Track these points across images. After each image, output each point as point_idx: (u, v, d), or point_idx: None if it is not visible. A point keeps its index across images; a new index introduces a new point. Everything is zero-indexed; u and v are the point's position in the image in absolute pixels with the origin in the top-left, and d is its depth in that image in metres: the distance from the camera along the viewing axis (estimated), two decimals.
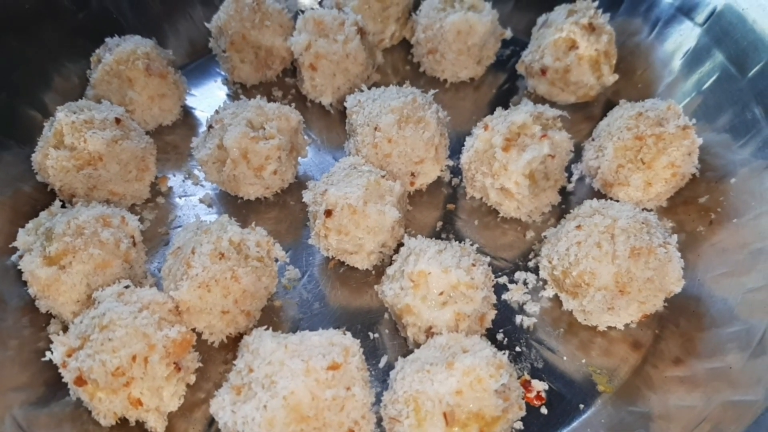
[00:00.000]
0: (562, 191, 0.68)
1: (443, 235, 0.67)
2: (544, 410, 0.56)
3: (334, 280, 0.64)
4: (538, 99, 0.76)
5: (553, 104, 0.75)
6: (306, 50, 0.73)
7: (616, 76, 0.72)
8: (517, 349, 0.59)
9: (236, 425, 0.48)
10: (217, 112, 0.67)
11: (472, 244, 0.60)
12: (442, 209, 0.69)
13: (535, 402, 0.56)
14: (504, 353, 0.52)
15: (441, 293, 0.55)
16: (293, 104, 0.76)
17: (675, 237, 0.58)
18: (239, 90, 0.80)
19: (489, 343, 0.53)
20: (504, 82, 0.80)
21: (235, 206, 0.69)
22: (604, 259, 0.55)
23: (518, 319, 0.61)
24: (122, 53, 0.70)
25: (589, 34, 0.71)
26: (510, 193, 0.64)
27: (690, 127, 0.63)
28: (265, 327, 0.52)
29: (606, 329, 0.59)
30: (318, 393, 0.48)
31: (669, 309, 0.60)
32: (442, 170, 0.69)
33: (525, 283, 0.63)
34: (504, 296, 0.62)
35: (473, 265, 0.56)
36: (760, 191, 0.62)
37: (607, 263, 0.55)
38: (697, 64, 0.71)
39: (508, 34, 0.79)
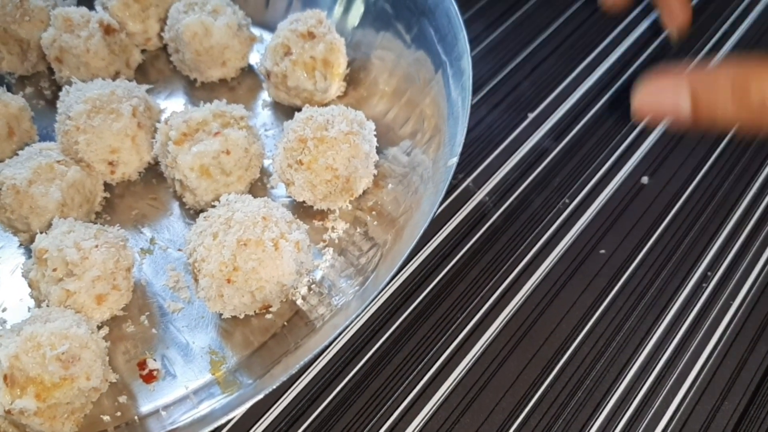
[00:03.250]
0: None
1: (137, 225, 0.70)
2: (152, 388, 0.59)
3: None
4: (275, 102, 0.79)
5: (286, 108, 0.78)
6: (51, 44, 0.78)
7: (330, 84, 0.75)
8: (153, 331, 0.62)
9: None
10: None
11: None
12: (147, 199, 0.73)
13: (147, 380, 0.59)
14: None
15: (55, 270, 0.58)
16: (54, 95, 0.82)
17: (298, 234, 0.60)
18: (13, 80, 0.85)
19: (81, 316, 0.56)
20: (260, 84, 0.83)
21: None
22: (214, 248, 0.58)
23: (165, 304, 0.64)
24: None
25: (305, 41, 0.74)
26: (185, 185, 0.67)
27: (353, 133, 0.65)
28: None
29: (248, 317, 0.62)
30: None
31: (306, 301, 0.62)
32: (151, 162, 0.73)
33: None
34: (163, 282, 0.65)
35: (96, 246, 0.59)
36: (401, 200, 0.65)
37: (216, 252, 0.58)
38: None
39: (261, 38, 0.83)
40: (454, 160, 0.58)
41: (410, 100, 0.73)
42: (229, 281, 0.58)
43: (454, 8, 0.69)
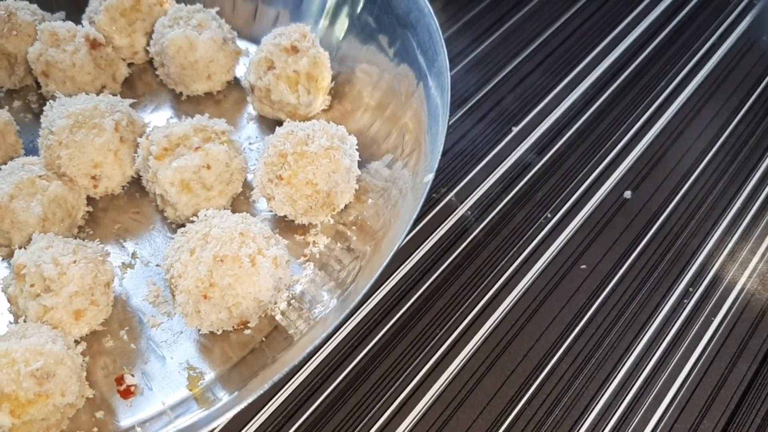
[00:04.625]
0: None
1: (119, 239, 0.70)
2: (130, 403, 0.59)
3: None
4: (260, 116, 0.79)
5: (271, 121, 0.78)
6: (38, 58, 0.78)
7: (313, 98, 0.75)
8: (132, 346, 0.62)
9: None
10: None
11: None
12: (130, 213, 0.73)
13: (124, 396, 0.59)
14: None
15: (32, 285, 0.58)
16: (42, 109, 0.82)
17: (276, 249, 0.60)
18: (1, 94, 0.85)
19: (57, 332, 0.57)
20: (246, 98, 0.83)
21: None
22: (191, 264, 0.58)
23: (145, 319, 0.64)
24: None
25: (288, 55, 0.74)
26: (166, 200, 0.67)
27: (334, 148, 0.65)
28: None
29: (227, 332, 0.62)
30: None
31: (285, 316, 0.62)
32: (134, 176, 0.73)
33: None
34: (144, 296, 0.65)
35: (74, 262, 0.59)
36: (381, 213, 0.65)
37: (193, 268, 0.58)
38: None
39: (247, 52, 0.83)
40: (430, 176, 0.58)
41: (393, 114, 0.73)
42: (205, 297, 0.58)
43: (435, 24, 0.69)
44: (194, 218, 0.62)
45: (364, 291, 0.55)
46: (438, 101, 0.65)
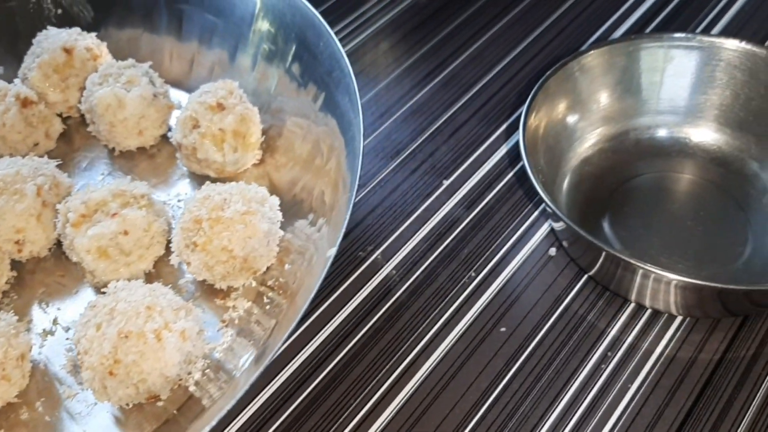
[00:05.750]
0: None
1: (42, 304, 0.70)
2: None
3: None
4: (190, 172, 0.79)
5: (203, 177, 0.78)
6: None
7: (240, 155, 0.75)
8: (47, 419, 0.62)
9: None
10: None
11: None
12: (56, 276, 0.72)
13: None
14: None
15: None
16: None
17: (185, 322, 0.60)
18: None
19: None
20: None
21: None
22: (96, 340, 0.58)
23: (62, 389, 0.64)
24: None
25: (213, 113, 0.73)
26: (82, 267, 0.67)
27: (251, 213, 0.65)
28: None
29: (141, 404, 0.61)
30: None
31: (199, 386, 0.62)
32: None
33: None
34: (61, 365, 0.65)
35: None
36: (299, 274, 0.64)
37: (98, 345, 0.58)
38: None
39: (179, 104, 0.83)
40: (333, 250, 0.58)
41: (318, 169, 0.72)
42: (111, 374, 0.58)
43: (354, 85, 0.68)
44: (104, 290, 0.62)
45: (277, 351, 0.54)
46: (352, 165, 0.65)
